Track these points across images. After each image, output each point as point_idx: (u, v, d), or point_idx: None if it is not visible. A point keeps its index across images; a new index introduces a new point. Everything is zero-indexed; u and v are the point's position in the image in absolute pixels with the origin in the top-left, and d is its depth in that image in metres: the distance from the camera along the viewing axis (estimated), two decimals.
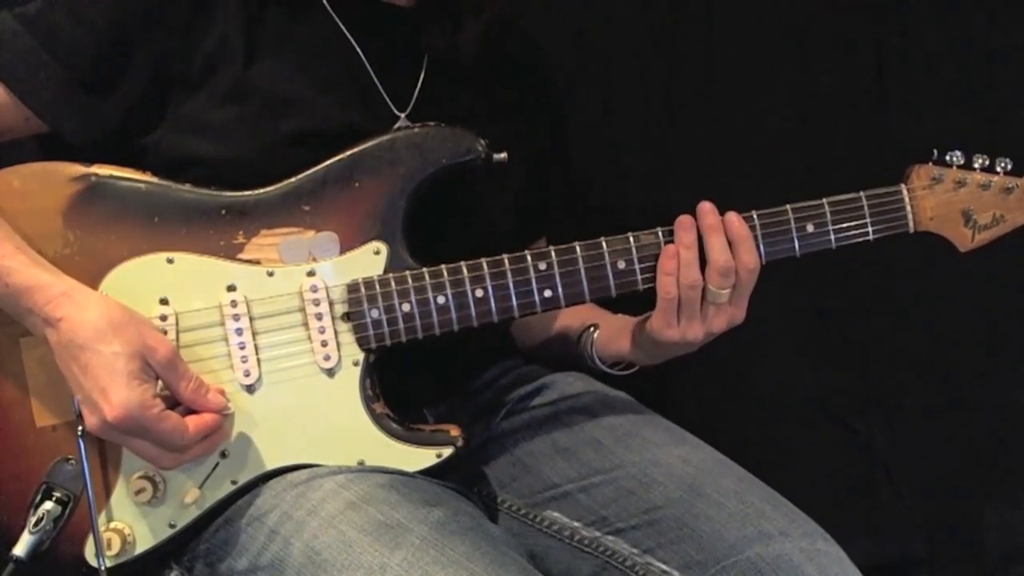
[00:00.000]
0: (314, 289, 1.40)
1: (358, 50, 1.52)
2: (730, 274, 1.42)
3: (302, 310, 1.40)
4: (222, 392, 1.37)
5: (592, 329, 1.62)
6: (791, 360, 2.26)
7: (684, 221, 1.44)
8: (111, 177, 1.41)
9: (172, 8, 1.42)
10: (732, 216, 1.44)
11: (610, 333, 1.60)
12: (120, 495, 1.39)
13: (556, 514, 1.51)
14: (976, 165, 1.48)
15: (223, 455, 1.39)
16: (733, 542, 1.36)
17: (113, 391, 1.26)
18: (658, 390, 1.92)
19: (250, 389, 1.40)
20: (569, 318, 1.68)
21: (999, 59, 2.17)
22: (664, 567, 1.40)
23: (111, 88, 1.42)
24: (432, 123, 1.45)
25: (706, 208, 1.44)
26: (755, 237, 1.44)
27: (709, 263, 1.42)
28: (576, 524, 1.49)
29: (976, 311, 2.25)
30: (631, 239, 1.44)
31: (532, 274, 1.42)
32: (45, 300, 1.29)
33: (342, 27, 1.51)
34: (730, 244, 1.43)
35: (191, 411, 1.34)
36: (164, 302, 1.38)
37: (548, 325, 1.72)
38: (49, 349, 1.31)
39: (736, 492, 1.42)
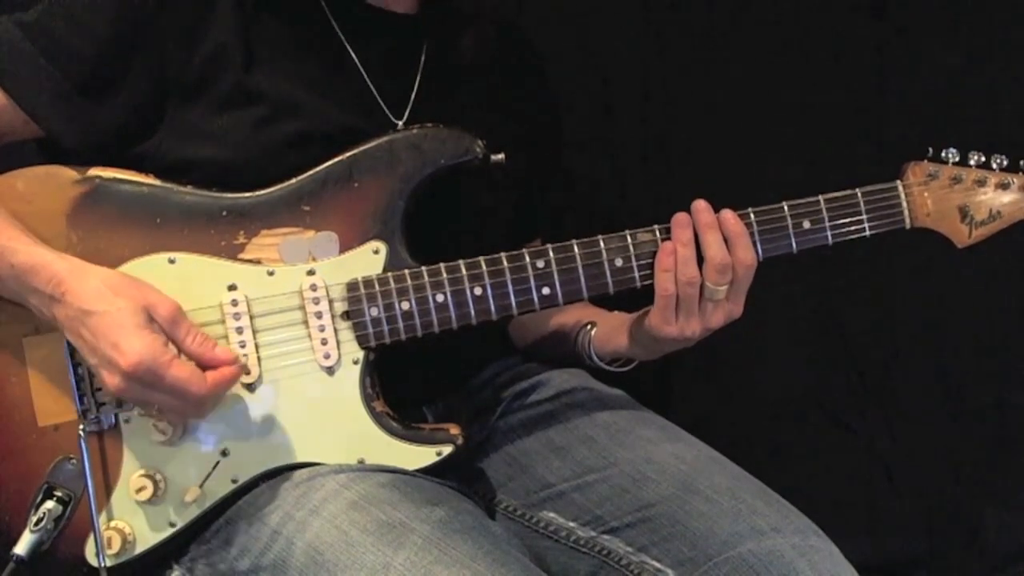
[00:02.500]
0: (314, 288, 1.41)
1: (353, 55, 1.52)
2: (727, 270, 1.43)
3: (302, 309, 1.41)
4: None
5: (589, 327, 1.62)
6: (791, 360, 2.26)
7: (680, 218, 1.44)
8: (114, 180, 1.42)
9: (170, 15, 1.42)
10: (727, 213, 1.45)
11: (607, 330, 1.60)
12: (121, 494, 1.39)
13: (552, 515, 1.51)
14: (972, 162, 1.49)
15: (224, 453, 1.40)
16: (725, 538, 1.36)
17: (124, 343, 1.27)
18: (659, 390, 1.93)
19: (250, 388, 1.40)
20: (566, 316, 1.68)
21: (998, 59, 2.17)
22: (658, 565, 1.40)
23: (109, 94, 1.43)
24: (431, 124, 1.46)
25: (700, 206, 1.44)
26: (752, 234, 1.45)
27: (706, 260, 1.43)
28: (572, 524, 1.49)
29: (976, 311, 2.25)
30: (628, 237, 1.45)
31: (530, 272, 1.43)
32: (48, 277, 1.31)
33: (338, 31, 1.52)
34: (727, 241, 1.43)
35: None
36: None
37: (545, 323, 1.72)
38: (53, 350, 1.35)
39: (729, 488, 1.42)
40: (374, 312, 1.41)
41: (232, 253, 1.41)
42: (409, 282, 1.41)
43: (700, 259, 1.43)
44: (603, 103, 2.19)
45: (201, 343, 1.33)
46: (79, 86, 1.42)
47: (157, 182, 1.42)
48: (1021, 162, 1.50)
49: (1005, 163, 1.49)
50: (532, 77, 1.74)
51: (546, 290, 1.44)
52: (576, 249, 1.44)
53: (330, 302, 1.41)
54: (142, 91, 1.43)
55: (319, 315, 1.41)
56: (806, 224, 1.46)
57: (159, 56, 1.42)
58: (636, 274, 1.45)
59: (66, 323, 1.31)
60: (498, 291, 1.43)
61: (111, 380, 1.29)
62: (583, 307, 1.65)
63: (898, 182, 1.49)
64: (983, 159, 1.49)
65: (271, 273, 1.41)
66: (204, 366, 1.32)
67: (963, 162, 1.50)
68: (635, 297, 1.47)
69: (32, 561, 1.35)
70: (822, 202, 1.47)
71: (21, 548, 1.34)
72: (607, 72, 2.19)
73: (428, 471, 1.42)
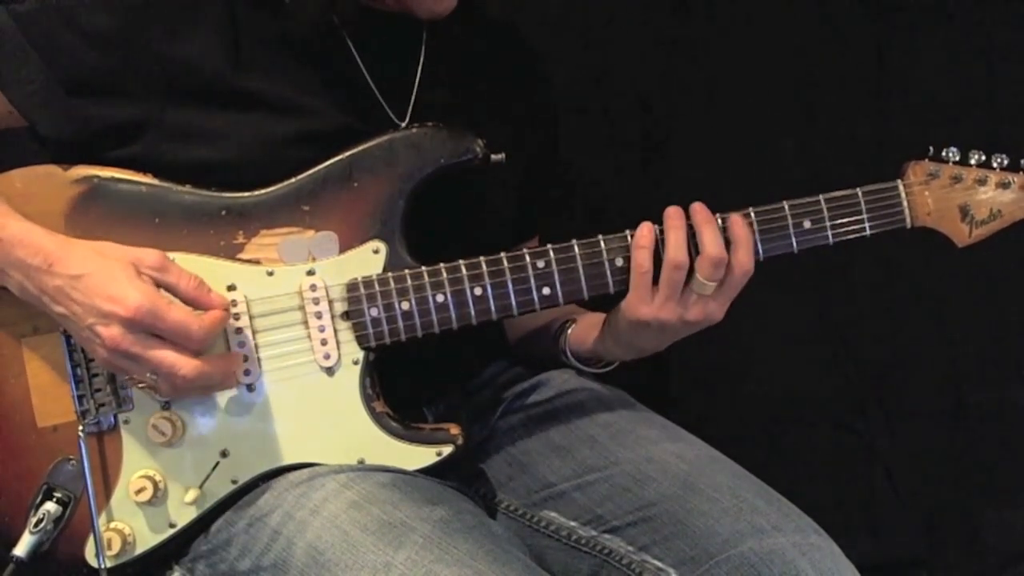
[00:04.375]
0: (313, 288, 1.40)
1: (355, 54, 1.52)
2: (721, 266, 1.41)
3: (302, 309, 1.41)
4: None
5: (568, 324, 1.62)
6: (791, 360, 2.26)
7: (672, 209, 1.43)
8: (112, 179, 1.41)
9: (160, 13, 1.42)
10: (735, 217, 1.43)
11: (585, 327, 1.60)
12: (120, 495, 1.39)
13: (553, 514, 1.51)
14: (972, 161, 1.49)
15: (223, 454, 1.40)
16: (726, 537, 1.36)
17: (121, 292, 1.28)
18: (659, 390, 1.92)
19: (250, 388, 1.40)
20: (551, 314, 1.65)
21: (999, 59, 2.17)
22: (659, 564, 1.40)
23: (96, 92, 1.42)
24: (430, 123, 1.45)
25: (697, 207, 1.44)
26: (752, 234, 1.44)
27: (702, 253, 1.41)
28: (573, 524, 1.49)
29: (976, 311, 2.25)
30: (629, 237, 1.44)
31: (530, 272, 1.43)
32: (36, 250, 1.31)
33: (340, 30, 1.51)
34: (729, 243, 1.42)
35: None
36: None
37: (530, 321, 1.70)
38: (52, 350, 1.36)
39: (729, 487, 1.42)
40: (374, 312, 1.41)
41: (231, 253, 1.41)
42: (409, 282, 1.41)
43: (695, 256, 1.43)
44: (603, 103, 2.19)
45: (197, 286, 1.34)
46: (69, 82, 1.41)
47: (155, 181, 1.42)
48: (1022, 161, 1.49)
49: (1006, 162, 1.49)
50: (531, 77, 1.73)
51: (546, 290, 1.44)
52: (576, 249, 1.44)
53: (330, 302, 1.41)
54: (133, 89, 1.42)
55: (319, 315, 1.41)
56: (807, 224, 1.46)
57: (148, 53, 1.41)
58: None
59: (54, 293, 1.31)
60: (498, 291, 1.43)
61: (108, 333, 1.28)
62: (572, 307, 1.64)
63: (899, 181, 1.49)
64: (983, 158, 1.49)
65: (270, 273, 1.41)
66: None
67: (964, 161, 1.49)
68: None
69: (32, 562, 1.35)
70: (823, 201, 1.46)
71: (21, 549, 1.35)
72: (607, 72, 2.19)
73: (428, 471, 1.42)
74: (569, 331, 1.62)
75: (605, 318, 1.54)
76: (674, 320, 1.43)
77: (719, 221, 1.43)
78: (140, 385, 1.33)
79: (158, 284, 1.32)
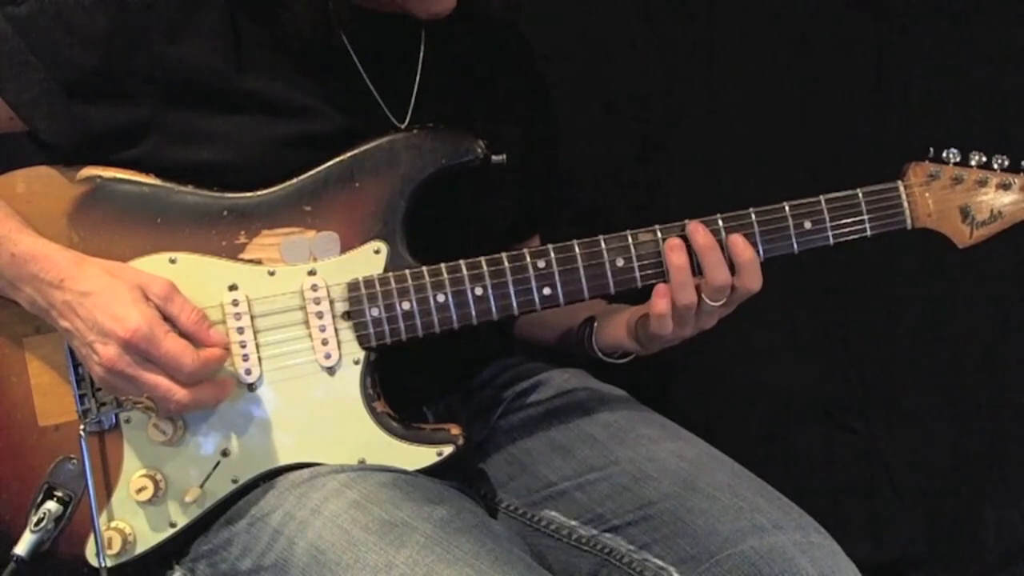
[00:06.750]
0: (315, 288, 1.41)
1: (354, 56, 1.52)
2: (726, 289, 1.43)
3: (303, 309, 1.41)
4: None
5: (592, 321, 1.62)
6: (791, 360, 2.26)
7: (673, 243, 1.43)
8: (115, 179, 1.42)
9: (160, 16, 1.41)
10: (736, 238, 1.44)
11: (610, 326, 1.60)
12: (121, 494, 1.40)
13: (554, 513, 1.51)
14: (973, 162, 1.49)
15: (224, 454, 1.40)
16: (727, 536, 1.37)
17: (123, 312, 1.29)
18: (659, 390, 1.92)
19: (251, 387, 1.40)
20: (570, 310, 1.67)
21: (999, 59, 2.17)
22: (660, 563, 1.41)
23: (99, 95, 1.42)
24: (431, 124, 1.46)
25: (695, 228, 1.44)
26: (753, 235, 1.44)
27: (706, 280, 1.43)
28: (573, 523, 1.49)
29: (976, 312, 2.24)
30: (629, 237, 1.45)
31: (531, 272, 1.43)
32: (50, 266, 1.33)
33: (339, 32, 1.51)
34: (733, 265, 1.43)
35: None
36: None
37: (549, 317, 1.69)
38: (53, 350, 1.37)
39: (730, 486, 1.43)
40: (375, 312, 1.41)
41: (233, 253, 1.41)
42: (410, 282, 1.42)
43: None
44: (603, 103, 2.19)
45: (197, 321, 1.34)
46: (69, 86, 1.41)
47: (158, 182, 1.42)
48: (1022, 162, 1.49)
49: (1006, 163, 1.49)
50: (531, 76, 1.74)
51: (547, 290, 1.44)
52: (577, 249, 1.44)
53: (331, 302, 1.41)
54: (133, 92, 1.42)
55: (320, 315, 1.41)
56: (807, 224, 1.46)
57: (148, 56, 1.41)
58: (637, 274, 1.45)
59: (62, 307, 1.32)
60: (499, 291, 1.43)
61: (105, 352, 1.29)
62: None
63: (899, 182, 1.49)
64: (984, 159, 1.49)
65: (272, 273, 1.41)
66: (196, 345, 1.34)
67: (964, 162, 1.49)
68: (637, 292, 1.47)
69: (32, 561, 1.35)
70: (823, 202, 1.46)
71: (21, 548, 1.35)
72: (607, 72, 2.19)
73: (429, 471, 1.42)
74: (596, 327, 1.61)
75: (632, 330, 1.55)
76: (692, 332, 1.49)
77: (719, 223, 1.44)
78: (137, 405, 1.35)
79: (160, 313, 1.32)
